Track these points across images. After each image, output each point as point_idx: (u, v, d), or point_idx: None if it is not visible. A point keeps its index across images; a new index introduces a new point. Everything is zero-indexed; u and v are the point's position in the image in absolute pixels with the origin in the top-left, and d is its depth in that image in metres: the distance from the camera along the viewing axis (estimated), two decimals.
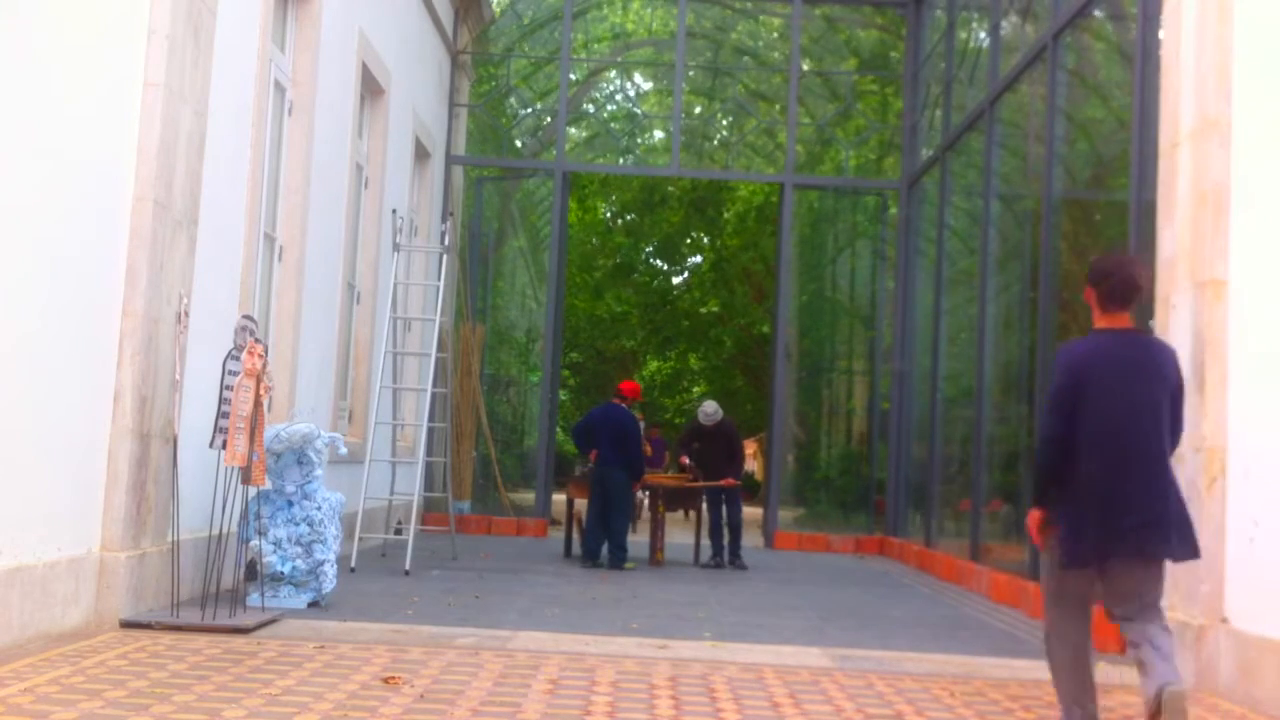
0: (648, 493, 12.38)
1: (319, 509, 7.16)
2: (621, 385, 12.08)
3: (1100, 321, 4.69)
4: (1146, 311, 7.06)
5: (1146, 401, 4.56)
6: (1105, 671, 6.26)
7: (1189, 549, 4.55)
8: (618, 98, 20.63)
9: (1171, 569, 6.12)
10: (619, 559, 11.06)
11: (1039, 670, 6.17)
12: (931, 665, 6.16)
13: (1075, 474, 4.54)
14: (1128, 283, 4.59)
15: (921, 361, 13.98)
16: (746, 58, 17.93)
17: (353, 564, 9.37)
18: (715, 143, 18.91)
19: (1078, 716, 4.58)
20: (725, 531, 11.94)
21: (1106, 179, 9.44)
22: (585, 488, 11.87)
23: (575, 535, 11.92)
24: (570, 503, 12.41)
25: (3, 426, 5.17)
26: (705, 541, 12.20)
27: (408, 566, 9.39)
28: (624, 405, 11.67)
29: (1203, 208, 6.12)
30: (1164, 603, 4.55)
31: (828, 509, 16.65)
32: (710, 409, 12.33)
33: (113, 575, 6.00)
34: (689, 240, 28.29)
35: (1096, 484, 4.51)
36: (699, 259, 29.62)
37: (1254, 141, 5.90)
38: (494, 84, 16.81)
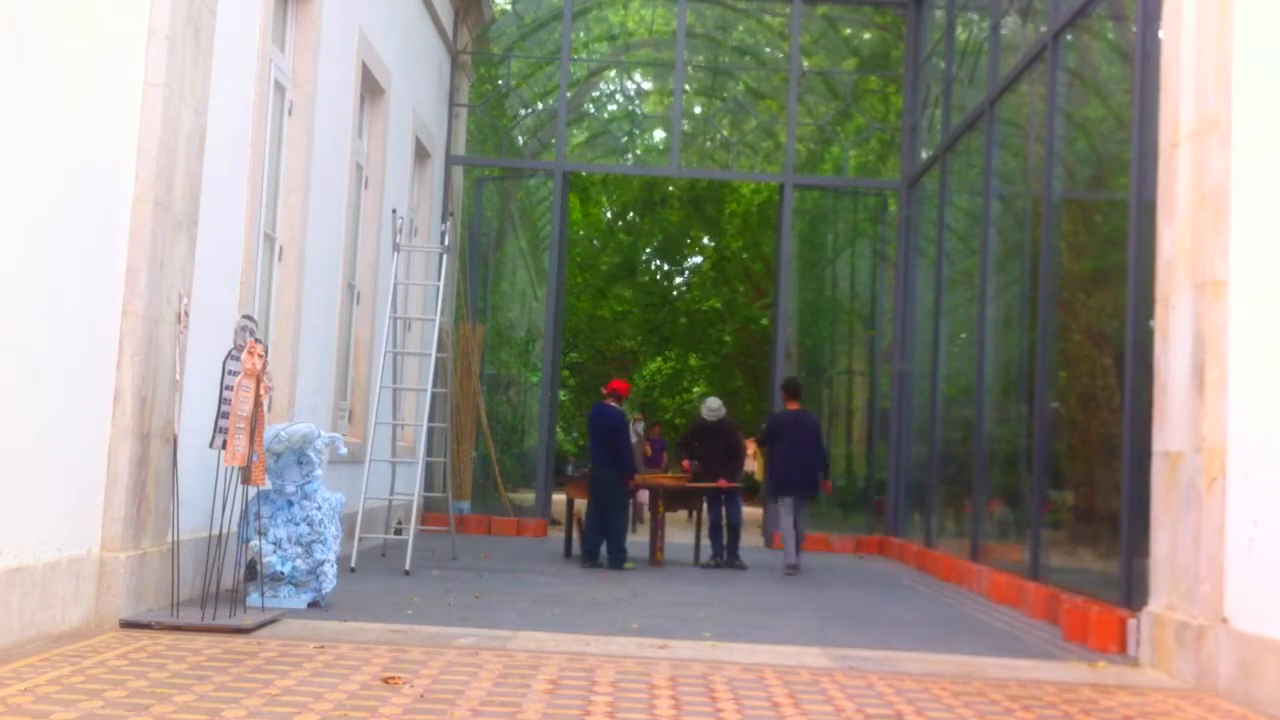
0: (648, 493, 12.39)
1: (319, 509, 7.16)
2: (611, 384, 12.10)
3: (788, 405, 11.97)
4: (1146, 312, 7.07)
5: (807, 437, 11.63)
6: (1105, 672, 6.27)
7: (816, 490, 11.73)
8: (618, 98, 20.63)
9: (1170, 569, 6.20)
10: (618, 559, 11.05)
11: (1039, 670, 6.18)
12: (931, 665, 6.16)
13: (776, 465, 11.72)
14: (794, 389, 12.05)
15: (921, 361, 13.98)
16: (747, 57, 17.93)
17: (353, 564, 9.37)
18: (715, 142, 18.90)
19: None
20: (725, 531, 11.96)
21: (1106, 179, 9.44)
22: (585, 488, 11.88)
23: (575, 535, 11.92)
24: (570, 503, 12.41)
25: (2, 427, 5.17)
26: (705, 541, 12.20)
27: (408, 566, 9.39)
28: (614, 404, 11.68)
29: (1203, 208, 6.12)
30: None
31: (828, 509, 16.64)
32: (714, 404, 12.38)
33: (113, 575, 6.00)
34: (689, 240, 28.28)
35: (785, 468, 11.60)
36: (699, 259, 29.61)
37: (1254, 141, 5.90)
38: (494, 84, 16.81)
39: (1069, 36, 9.56)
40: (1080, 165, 10.08)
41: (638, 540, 12.74)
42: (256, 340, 6.52)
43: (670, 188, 25.77)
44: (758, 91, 17.66)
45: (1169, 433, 6.34)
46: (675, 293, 30.57)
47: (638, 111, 20.25)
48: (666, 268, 30.72)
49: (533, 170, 17.32)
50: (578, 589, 9.06)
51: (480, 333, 15.46)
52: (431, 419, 11.65)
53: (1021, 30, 11.15)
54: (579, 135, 19.00)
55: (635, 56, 18.81)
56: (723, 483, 11.94)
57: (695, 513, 12.43)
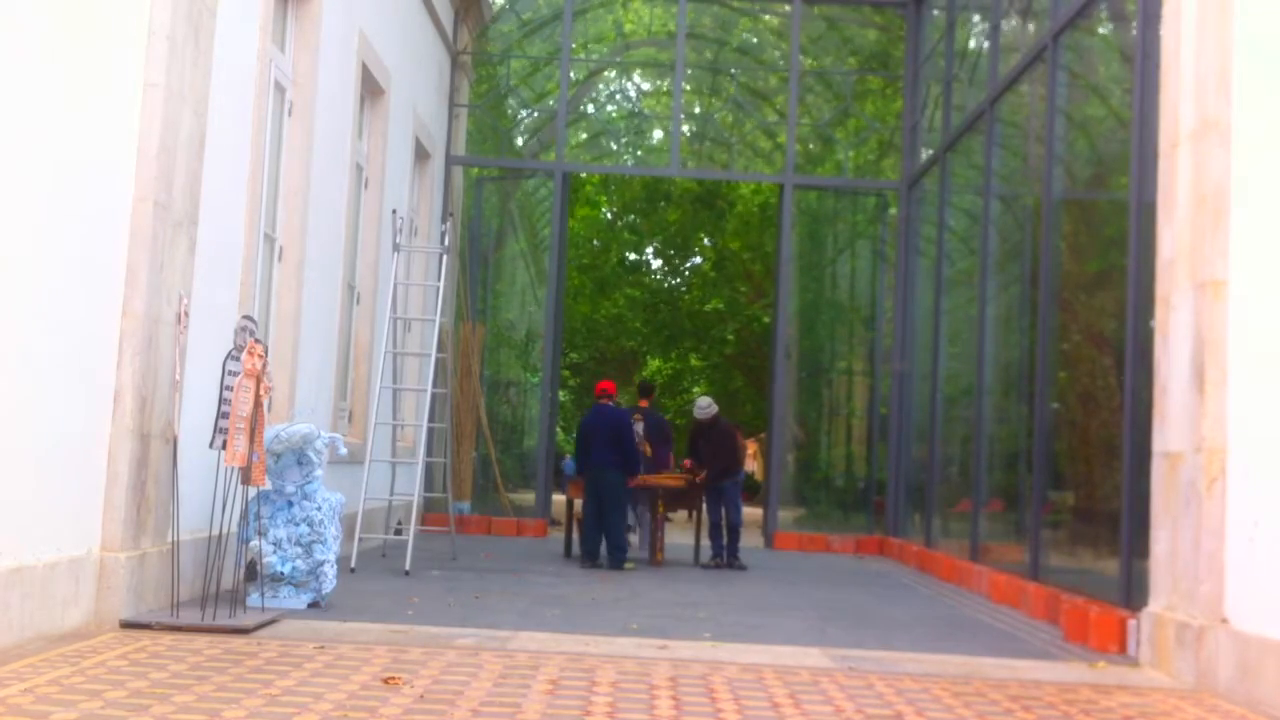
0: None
1: (319, 509, 7.16)
2: (599, 385, 12.18)
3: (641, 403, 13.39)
4: (1146, 312, 7.08)
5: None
6: (1105, 672, 6.27)
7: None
8: (618, 98, 20.62)
9: (1170, 569, 6.18)
10: (618, 559, 11.05)
11: (1039, 670, 6.18)
12: (931, 665, 6.16)
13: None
14: (646, 388, 14.19)
15: (921, 361, 13.97)
16: (747, 57, 17.93)
17: (353, 564, 9.37)
18: (715, 143, 18.90)
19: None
20: (725, 531, 11.96)
21: (1106, 179, 9.44)
22: (584, 488, 11.88)
23: (575, 535, 11.92)
24: (570, 503, 12.41)
25: (3, 427, 5.17)
26: (705, 542, 12.20)
27: (408, 567, 9.39)
28: (611, 404, 11.69)
29: (1202, 208, 6.12)
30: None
31: (828, 509, 16.64)
32: (703, 403, 12.41)
33: (113, 575, 6.00)
34: (690, 239, 28.26)
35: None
36: (699, 260, 29.59)
37: (1254, 142, 5.90)
38: (494, 84, 16.80)
39: (1069, 37, 9.56)
40: (1080, 165, 10.08)
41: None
42: (256, 340, 6.52)
43: (671, 187, 25.77)
44: (758, 91, 17.66)
45: (1169, 433, 6.34)
46: (676, 292, 30.53)
47: (638, 111, 20.25)
48: (668, 267, 30.70)
49: (532, 170, 17.32)
50: (578, 589, 9.06)
51: (480, 333, 15.46)
52: (431, 419, 11.64)
53: (1021, 30, 11.16)
54: (579, 136, 19.00)
55: (635, 56, 18.81)
56: (700, 476, 11.93)
57: (695, 513, 12.43)
